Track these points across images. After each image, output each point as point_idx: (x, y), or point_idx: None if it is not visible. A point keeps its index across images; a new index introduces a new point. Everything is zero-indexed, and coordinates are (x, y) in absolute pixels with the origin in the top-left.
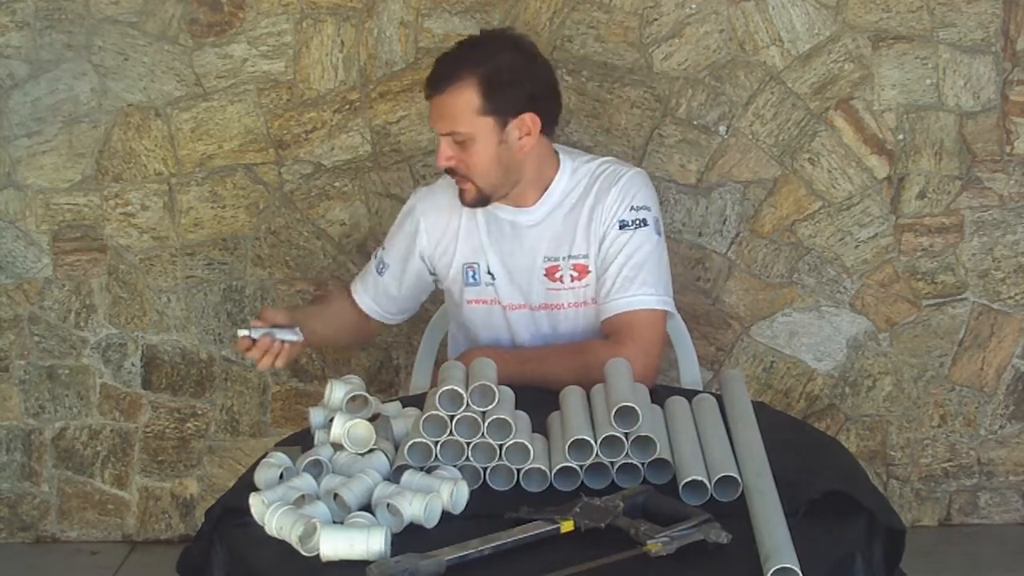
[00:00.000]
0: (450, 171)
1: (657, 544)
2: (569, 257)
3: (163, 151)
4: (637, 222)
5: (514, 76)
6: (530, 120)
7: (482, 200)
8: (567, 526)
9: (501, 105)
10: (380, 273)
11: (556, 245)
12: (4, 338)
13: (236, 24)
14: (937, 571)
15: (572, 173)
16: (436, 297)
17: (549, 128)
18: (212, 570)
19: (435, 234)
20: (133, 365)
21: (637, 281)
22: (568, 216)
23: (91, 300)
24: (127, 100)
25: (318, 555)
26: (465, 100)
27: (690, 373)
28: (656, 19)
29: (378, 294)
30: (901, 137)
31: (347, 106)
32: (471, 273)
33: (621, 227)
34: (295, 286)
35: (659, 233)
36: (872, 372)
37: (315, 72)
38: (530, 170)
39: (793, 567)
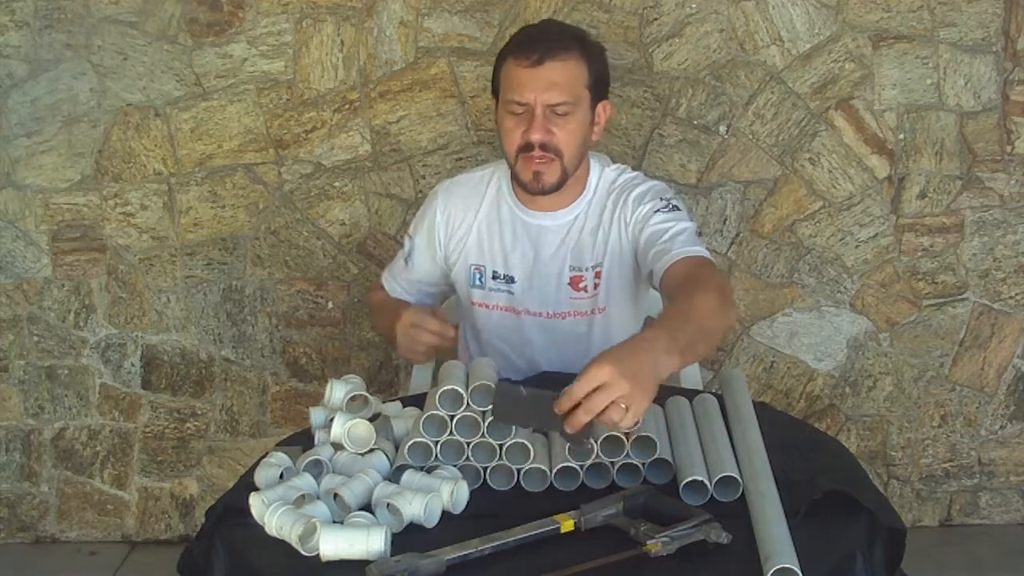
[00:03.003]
0: (542, 146)
1: (657, 544)
2: (592, 267)
3: (162, 151)
4: (670, 206)
5: (605, 59)
6: (606, 109)
7: (559, 184)
8: (567, 526)
9: (597, 84)
10: (407, 265)
11: (580, 254)
12: (3, 338)
13: (236, 24)
14: (937, 571)
15: (600, 176)
16: None
17: None
18: (212, 570)
19: (451, 227)
20: (133, 365)
21: (682, 240)
22: (591, 224)
23: (90, 300)
24: (126, 100)
25: (318, 555)
26: (576, 69)
27: (690, 373)
28: (656, 19)
29: (411, 285)
30: (902, 137)
31: (347, 106)
32: (477, 275)
33: (656, 212)
34: (295, 286)
35: (692, 221)
36: (872, 372)
37: (315, 72)
38: (584, 164)
39: (793, 567)
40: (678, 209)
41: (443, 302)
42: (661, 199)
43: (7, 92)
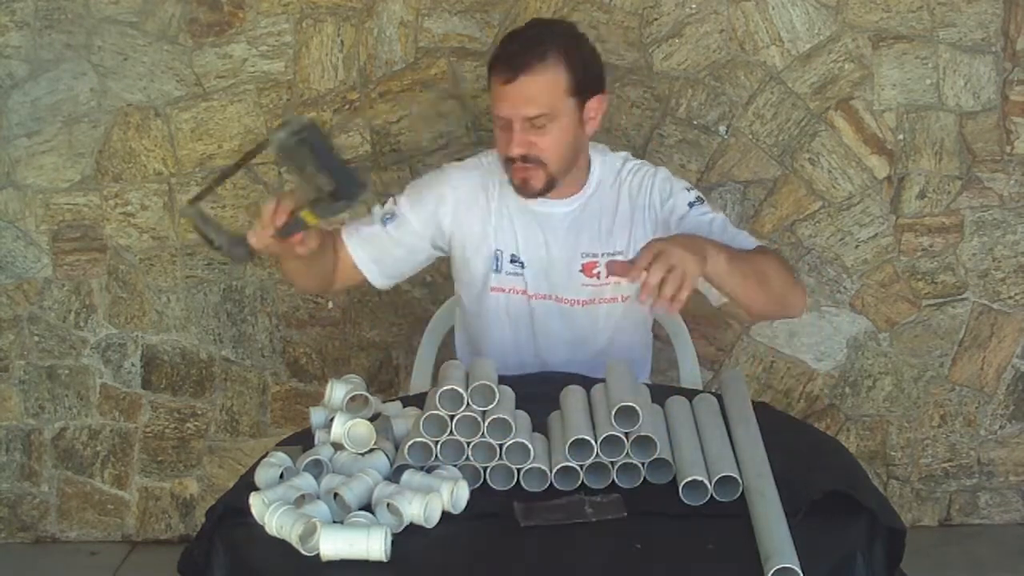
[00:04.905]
0: (523, 159)
1: None
2: (608, 254)
3: (163, 151)
4: (698, 198)
5: (593, 54)
6: (600, 102)
7: (548, 188)
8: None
9: (584, 84)
10: (384, 224)
11: (593, 240)
12: (4, 338)
13: (236, 24)
14: (937, 571)
15: (602, 164)
16: (437, 296)
17: None
18: (212, 570)
19: (463, 211)
20: (133, 365)
21: (732, 232)
22: (603, 210)
23: (91, 300)
24: (127, 100)
25: (318, 555)
26: (552, 79)
27: (690, 373)
28: (656, 19)
29: (377, 250)
30: (901, 137)
31: (347, 106)
32: (495, 260)
33: (691, 206)
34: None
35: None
36: (872, 372)
37: (315, 72)
38: (582, 157)
39: (793, 567)
40: (703, 200)
41: (392, 285)
42: (687, 189)
43: (7, 92)
